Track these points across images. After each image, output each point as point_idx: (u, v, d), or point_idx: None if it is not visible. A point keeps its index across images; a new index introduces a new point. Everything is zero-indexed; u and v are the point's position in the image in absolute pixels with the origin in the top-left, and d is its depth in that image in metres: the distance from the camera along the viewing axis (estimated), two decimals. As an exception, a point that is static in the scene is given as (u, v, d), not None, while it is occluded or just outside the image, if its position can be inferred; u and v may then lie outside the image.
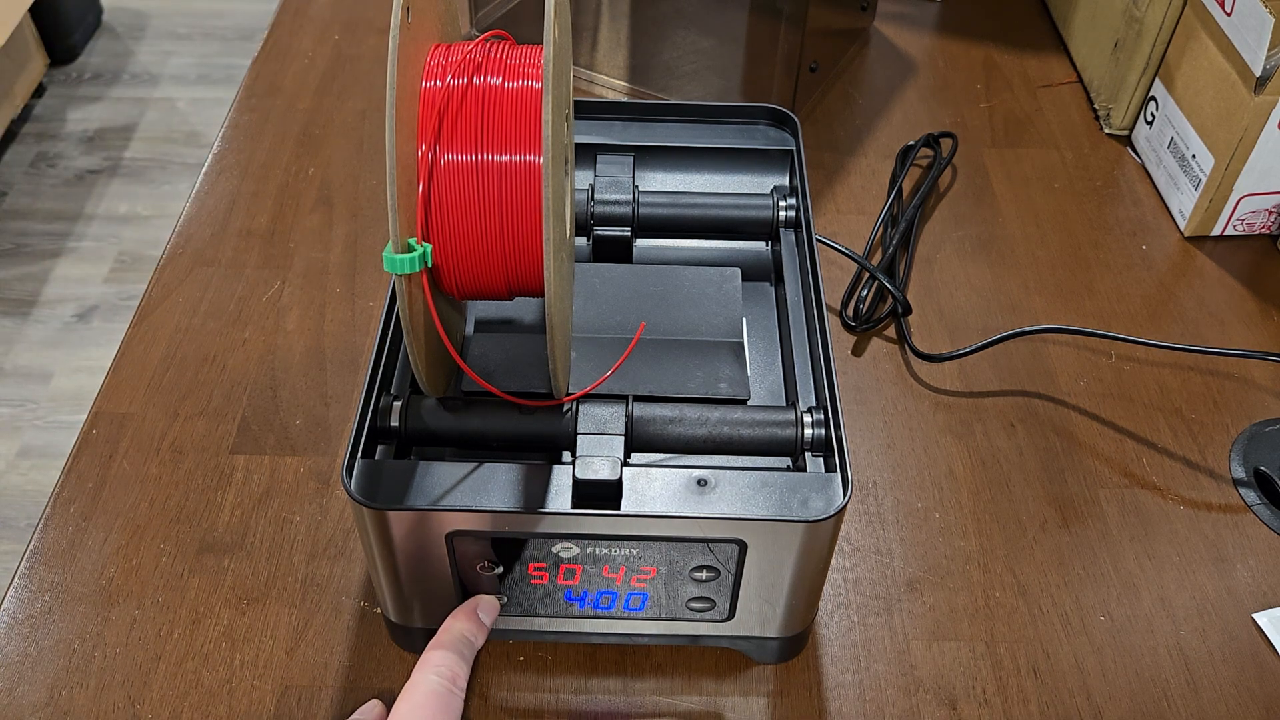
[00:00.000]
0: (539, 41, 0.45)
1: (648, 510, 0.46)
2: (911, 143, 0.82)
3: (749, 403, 0.53)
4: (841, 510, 0.46)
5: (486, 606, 0.51)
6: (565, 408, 0.49)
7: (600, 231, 0.61)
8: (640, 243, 0.63)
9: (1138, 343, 0.67)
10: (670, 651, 0.55)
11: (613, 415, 0.49)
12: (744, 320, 0.58)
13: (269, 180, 0.79)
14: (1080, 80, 0.90)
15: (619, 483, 0.46)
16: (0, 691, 0.52)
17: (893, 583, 0.58)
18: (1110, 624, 0.57)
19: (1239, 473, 0.63)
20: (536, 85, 0.45)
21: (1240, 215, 0.76)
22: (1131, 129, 0.85)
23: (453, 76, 0.45)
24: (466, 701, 0.49)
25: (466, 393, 0.53)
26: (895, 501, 0.61)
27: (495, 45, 0.47)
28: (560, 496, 0.46)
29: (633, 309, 0.57)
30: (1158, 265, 0.76)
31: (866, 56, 0.93)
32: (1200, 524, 0.61)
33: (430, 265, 0.44)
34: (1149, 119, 0.82)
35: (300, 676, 0.53)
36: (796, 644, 0.54)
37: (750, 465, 0.51)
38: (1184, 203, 0.78)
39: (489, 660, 0.54)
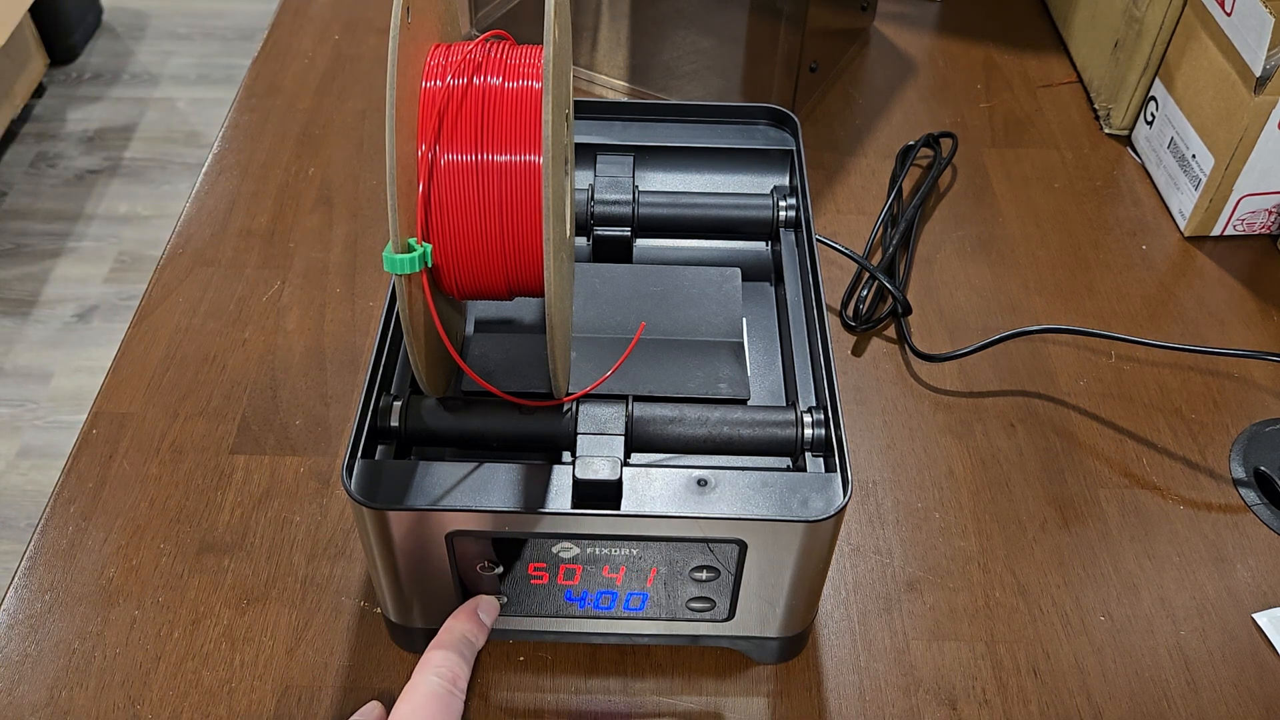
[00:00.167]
0: (539, 41, 0.45)
1: (648, 510, 0.46)
2: (911, 143, 0.82)
3: (749, 403, 0.53)
4: (841, 510, 0.46)
5: (487, 607, 0.51)
6: (565, 408, 0.49)
7: (600, 231, 0.61)
8: (640, 243, 0.63)
9: (1138, 343, 0.67)
10: (670, 651, 0.55)
11: (613, 415, 0.49)
12: (744, 320, 0.58)
13: (269, 180, 0.79)
14: (1080, 80, 0.90)
15: (619, 483, 0.46)
16: (0, 691, 0.52)
17: (893, 583, 0.58)
18: (1110, 624, 0.57)
19: (1239, 473, 0.63)
20: (536, 85, 0.45)
21: (1240, 215, 0.76)
22: (1131, 129, 0.85)
23: (453, 76, 0.45)
24: (467, 702, 0.49)
25: (466, 393, 0.53)
26: (895, 501, 0.61)
27: (495, 45, 0.47)
28: (560, 496, 0.46)
29: (633, 309, 0.57)
30: (1158, 265, 0.76)
31: (866, 56, 0.93)
32: (1200, 524, 0.61)
33: (430, 265, 0.44)
34: (1149, 119, 0.82)
35: (300, 676, 0.53)
36: (796, 644, 0.54)
37: (750, 465, 0.51)
38: (1184, 203, 0.78)
39: (489, 660, 0.54)
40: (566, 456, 0.51)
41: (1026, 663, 0.55)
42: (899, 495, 0.62)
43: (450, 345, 0.48)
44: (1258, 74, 0.69)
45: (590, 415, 0.49)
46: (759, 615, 0.51)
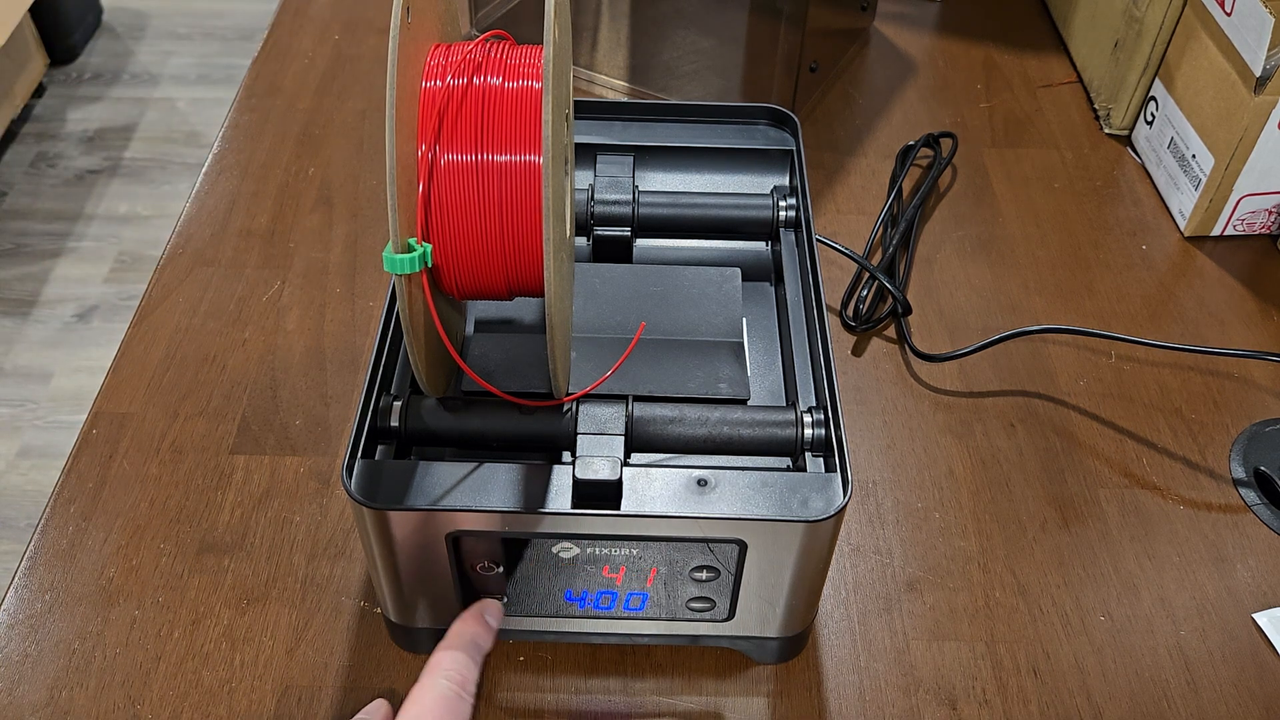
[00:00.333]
0: (539, 41, 0.45)
1: (648, 510, 0.46)
2: (911, 143, 0.82)
3: (749, 403, 0.53)
4: (841, 510, 0.46)
5: (493, 610, 0.51)
6: (565, 408, 0.49)
7: (600, 231, 0.61)
8: (640, 243, 0.63)
9: (1138, 343, 0.67)
10: (670, 651, 0.55)
11: (613, 415, 0.49)
12: (744, 320, 0.58)
13: (269, 180, 0.79)
14: (1080, 80, 0.90)
15: (619, 483, 0.46)
16: (0, 691, 0.52)
17: (893, 583, 0.58)
18: (1110, 624, 0.57)
19: (1239, 473, 0.63)
20: (536, 85, 0.45)
21: (1240, 215, 0.76)
22: (1131, 129, 0.85)
23: (453, 76, 0.45)
24: (474, 705, 0.48)
25: (466, 393, 0.53)
26: (895, 501, 0.61)
27: (495, 45, 0.47)
28: (560, 496, 0.46)
29: (633, 309, 0.57)
30: (1158, 265, 0.76)
31: (866, 56, 0.93)
32: (1200, 524, 0.61)
33: (430, 265, 0.44)
34: (1149, 119, 0.82)
35: (300, 676, 0.53)
36: (796, 644, 0.54)
37: (750, 465, 0.51)
38: (1184, 203, 0.78)
39: (489, 660, 0.54)
40: (566, 456, 0.51)
41: (1026, 663, 0.55)
42: (899, 495, 0.62)
43: (450, 345, 0.48)
44: (1258, 74, 0.69)
45: (590, 415, 0.49)
46: (759, 615, 0.51)
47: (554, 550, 0.48)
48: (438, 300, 0.47)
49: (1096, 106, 0.87)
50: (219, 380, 0.66)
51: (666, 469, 0.47)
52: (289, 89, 0.88)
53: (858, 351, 0.70)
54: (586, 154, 0.64)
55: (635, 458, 0.50)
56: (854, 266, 0.74)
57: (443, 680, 0.47)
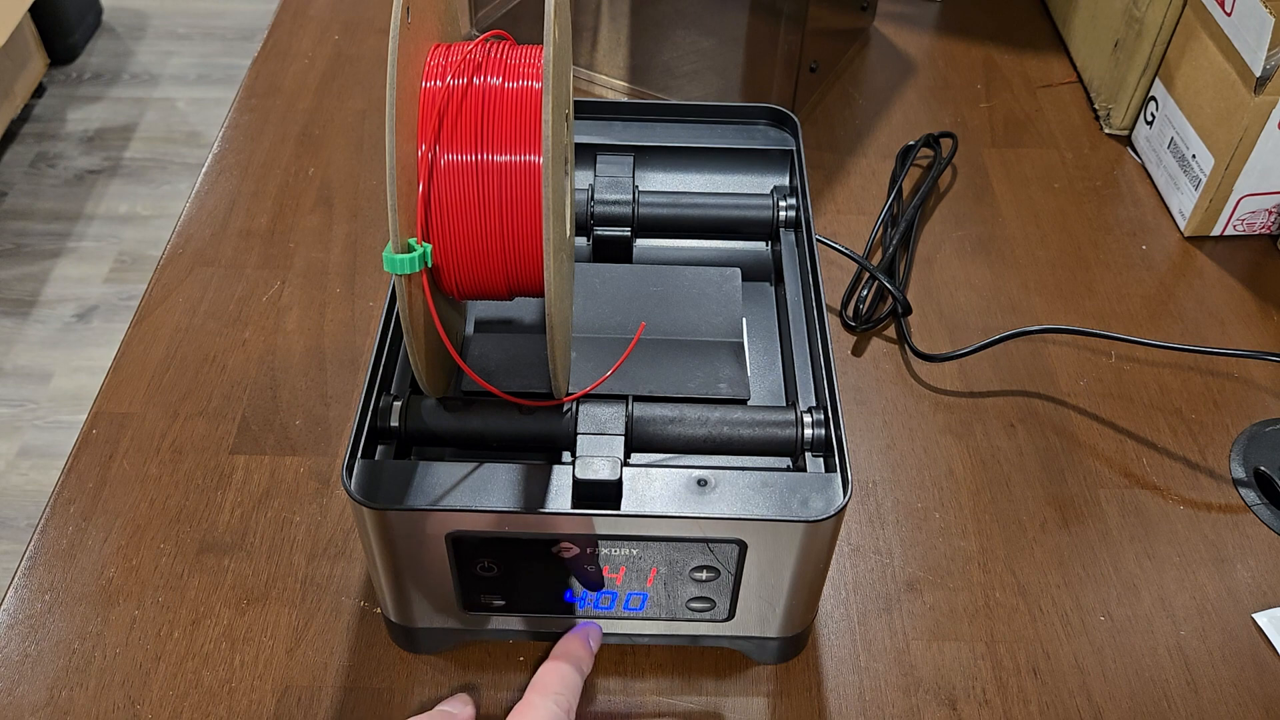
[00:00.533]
0: (539, 41, 0.45)
1: (648, 510, 0.46)
2: (911, 143, 0.82)
3: (749, 403, 0.53)
4: (841, 510, 0.46)
5: (595, 635, 0.51)
6: (565, 408, 0.49)
7: (600, 231, 0.61)
8: (640, 243, 0.63)
9: (1138, 343, 0.67)
10: (670, 651, 0.55)
11: (613, 415, 0.49)
12: (744, 320, 0.58)
13: (269, 180, 0.79)
14: (1080, 80, 0.90)
15: (619, 483, 0.46)
16: (0, 691, 0.52)
17: (893, 583, 0.58)
18: (1110, 624, 0.57)
19: (1239, 473, 0.63)
20: (536, 85, 0.45)
21: (1240, 215, 0.76)
22: (1131, 129, 0.85)
23: (453, 76, 0.45)
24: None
25: (466, 393, 0.53)
26: (895, 501, 0.61)
27: (495, 45, 0.47)
28: (560, 496, 0.46)
29: (633, 309, 0.57)
30: (1158, 265, 0.76)
31: (866, 56, 0.93)
32: (1200, 524, 0.61)
33: (430, 265, 0.44)
34: (1149, 119, 0.82)
35: (300, 676, 0.53)
36: (796, 644, 0.54)
37: (750, 465, 0.51)
38: (1184, 203, 0.78)
39: (489, 660, 0.54)
40: (566, 456, 0.51)
41: (1026, 663, 0.55)
42: (899, 495, 0.62)
43: (450, 345, 0.48)
44: (1258, 74, 0.69)
45: (590, 415, 0.49)
46: (759, 615, 0.51)
47: (554, 550, 0.48)
48: (438, 300, 0.47)
49: (1096, 106, 0.87)
50: (219, 380, 0.66)
51: (666, 469, 0.47)
52: (289, 89, 0.88)
53: (858, 351, 0.70)
54: (586, 154, 0.64)
55: (635, 458, 0.50)
56: (854, 266, 0.74)
57: (553, 705, 0.46)
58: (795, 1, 0.77)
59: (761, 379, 0.57)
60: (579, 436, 0.48)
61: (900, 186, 0.79)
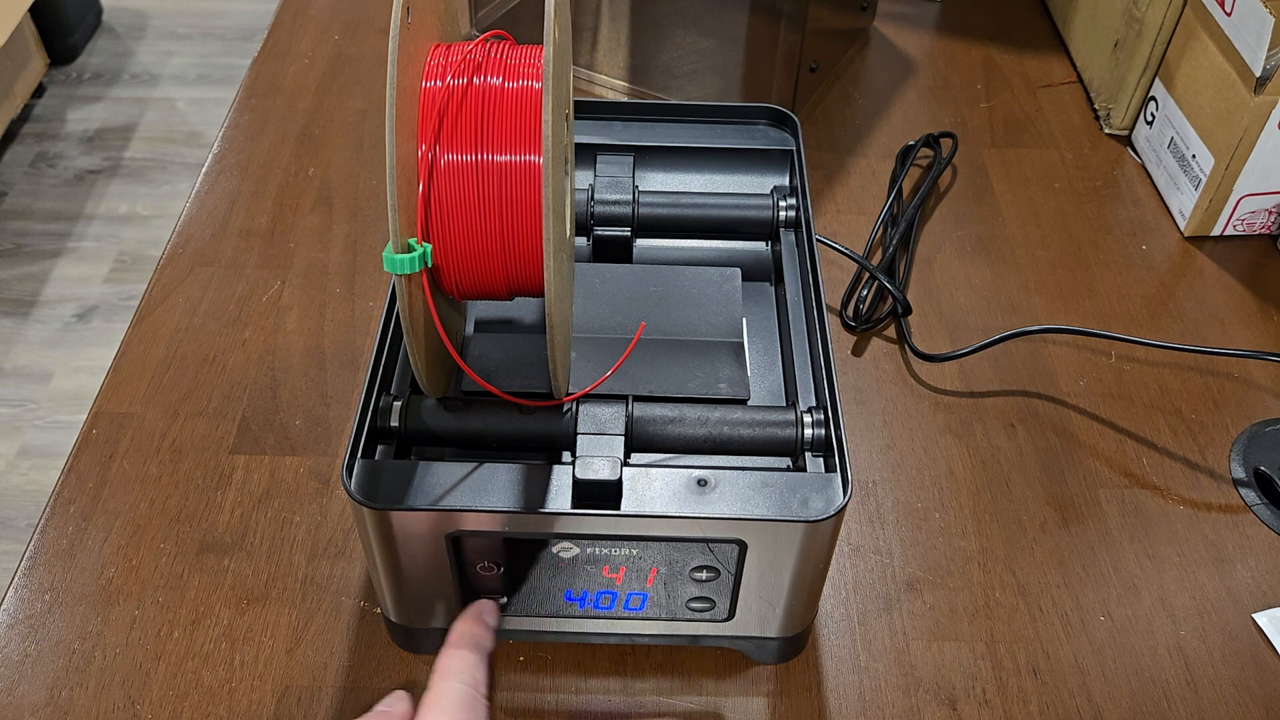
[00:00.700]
0: (539, 41, 0.45)
1: (648, 510, 0.46)
2: (911, 143, 0.82)
3: (749, 403, 0.53)
4: (841, 510, 0.46)
5: (489, 610, 0.51)
6: (565, 408, 0.49)
7: (600, 231, 0.61)
8: (640, 243, 0.63)
9: (1138, 343, 0.67)
10: (670, 651, 0.55)
11: (613, 415, 0.49)
12: (744, 320, 0.58)
13: (269, 180, 0.79)
14: (1080, 80, 0.90)
15: (619, 483, 0.46)
16: (0, 691, 0.52)
17: (893, 583, 0.58)
18: (1110, 624, 0.57)
19: (1239, 473, 0.63)
20: (536, 85, 0.45)
21: (1240, 215, 0.76)
22: (1131, 129, 0.85)
23: (453, 76, 0.45)
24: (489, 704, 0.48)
25: (466, 393, 0.53)
26: (895, 501, 0.61)
27: (495, 45, 0.47)
28: (560, 496, 0.46)
29: (633, 309, 0.57)
30: (1158, 265, 0.76)
31: (866, 56, 0.93)
32: (1200, 524, 0.61)
33: (430, 265, 0.44)
34: (1149, 119, 0.82)
35: (300, 676, 0.53)
36: (796, 644, 0.54)
37: (750, 465, 0.51)
38: (1184, 203, 0.78)
39: (490, 660, 0.54)
40: (566, 456, 0.51)
41: (1026, 663, 0.55)
42: (899, 495, 0.62)
43: (450, 345, 0.48)
44: (1258, 74, 0.69)
45: (590, 415, 0.49)
46: (759, 615, 0.51)
47: (554, 550, 0.48)
48: (438, 300, 0.47)
49: (1096, 106, 0.87)
50: (219, 380, 0.66)
51: (666, 469, 0.47)
52: (289, 89, 0.88)
53: (858, 351, 0.70)
54: (586, 154, 0.64)
55: (635, 458, 0.50)
56: (854, 266, 0.74)
57: (457, 684, 0.46)
58: (795, 1, 0.77)
59: (761, 379, 0.57)
60: (579, 436, 0.48)
61: (900, 186, 0.79)
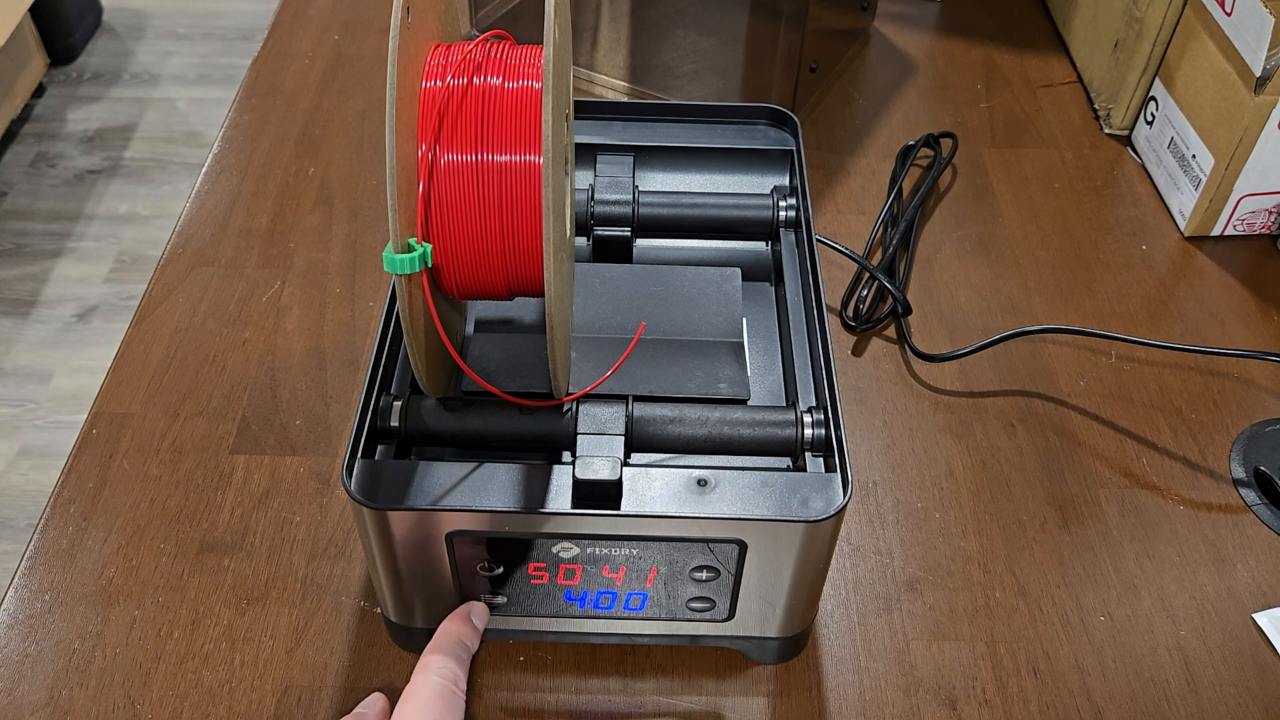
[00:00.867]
0: (539, 41, 0.45)
1: (648, 510, 0.46)
2: (911, 143, 0.82)
3: (749, 403, 0.53)
4: (841, 510, 0.46)
5: (478, 611, 0.51)
6: (565, 408, 0.49)
7: (600, 231, 0.61)
8: (640, 243, 0.63)
9: (1138, 343, 0.67)
10: (670, 651, 0.55)
11: (613, 415, 0.49)
12: (744, 320, 0.58)
13: (269, 180, 0.79)
14: (1080, 80, 0.90)
15: (619, 483, 0.46)
16: (0, 691, 0.52)
17: (893, 583, 0.58)
18: (1110, 624, 0.57)
19: (1239, 473, 0.63)
20: (536, 85, 0.45)
21: (1240, 215, 0.76)
22: (1131, 129, 0.85)
23: (453, 76, 0.45)
24: (465, 702, 0.49)
25: (466, 393, 0.53)
26: (895, 501, 0.61)
27: (495, 45, 0.47)
28: (560, 496, 0.46)
29: (633, 309, 0.57)
30: (1158, 265, 0.76)
31: (866, 56, 0.93)
32: (1200, 524, 0.61)
33: (430, 265, 0.44)
34: (1149, 119, 0.82)
35: (300, 676, 0.53)
36: (796, 644, 0.54)
37: (750, 465, 0.51)
38: (1184, 203, 0.78)
39: (489, 660, 0.54)
40: (566, 456, 0.51)
41: (1026, 663, 0.55)
42: (899, 495, 0.62)
43: (450, 345, 0.48)
44: (1258, 74, 0.69)
45: (590, 415, 0.49)
46: (759, 615, 0.51)
47: (554, 550, 0.48)
48: (438, 300, 0.47)
49: (1096, 106, 0.87)
50: (219, 380, 0.66)
51: (666, 469, 0.47)
52: (289, 89, 0.88)
53: (858, 351, 0.70)
54: (586, 154, 0.64)
55: (635, 458, 0.50)
56: (854, 266, 0.74)
57: (436, 677, 0.47)
58: (795, 1, 0.77)
59: (761, 379, 0.57)
60: (579, 436, 0.48)
61: (900, 186, 0.79)
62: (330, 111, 0.85)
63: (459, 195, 0.44)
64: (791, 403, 0.53)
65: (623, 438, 0.48)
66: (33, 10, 2.05)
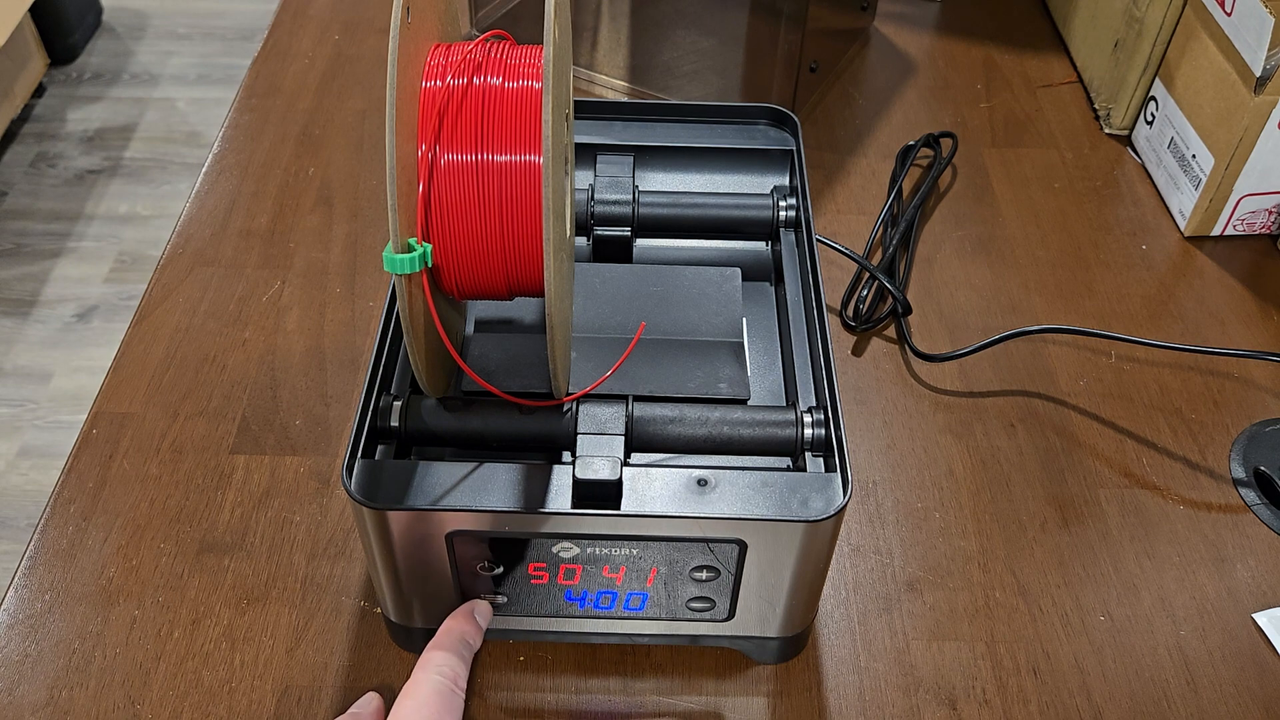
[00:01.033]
0: (539, 41, 0.45)
1: (648, 510, 0.46)
2: (911, 143, 0.82)
3: (749, 403, 0.53)
4: (841, 510, 0.46)
5: (482, 610, 0.51)
6: (565, 408, 0.49)
7: (600, 231, 0.61)
8: (640, 243, 0.63)
9: (1138, 343, 0.67)
10: (670, 651, 0.55)
11: (613, 415, 0.49)
12: (744, 320, 0.58)
13: (269, 180, 0.80)
14: (1080, 80, 0.90)
15: (619, 483, 0.46)
16: (0, 691, 0.52)
17: (893, 583, 0.58)
18: (1110, 624, 0.57)
19: (1239, 473, 0.63)
20: (536, 85, 0.45)
21: (1240, 215, 0.76)
22: (1131, 129, 0.85)
23: (453, 76, 0.45)
24: (466, 702, 0.49)
25: (466, 393, 0.53)
26: (895, 501, 0.61)
27: (495, 45, 0.47)
28: (560, 496, 0.46)
29: (633, 309, 0.57)
30: (1158, 265, 0.76)
31: (866, 56, 0.93)
32: (1200, 524, 0.61)
33: (430, 265, 0.44)
34: (1149, 119, 0.82)
35: (300, 676, 0.53)
36: (796, 644, 0.54)
37: (750, 465, 0.51)
38: (1184, 203, 0.78)
39: (489, 660, 0.54)
40: (566, 456, 0.51)
41: (1026, 663, 0.55)
42: (899, 495, 0.62)
43: (450, 345, 0.48)
44: (1258, 74, 0.69)
45: (590, 415, 0.49)
46: (759, 615, 0.51)
47: (554, 550, 0.48)
48: (438, 300, 0.47)
49: (1096, 106, 0.87)
50: (219, 380, 0.66)
51: (666, 469, 0.47)
52: (289, 89, 0.88)
53: (858, 351, 0.70)
54: (586, 154, 0.64)
55: (635, 458, 0.50)
56: (854, 266, 0.74)
57: (436, 675, 0.47)
58: (795, 1, 0.77)
59: (761, 379, 0.57)
60: (579, 436, 0.48)
61: (900, 186, 0.79)
62: (330, 111, 0.85)
63: (459, 195, 0.44)
64: (791, 403, 0.53)
65: (623, 438, 0.48)
66: (33, 10, 2.05)
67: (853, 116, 0.87)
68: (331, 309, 0.71)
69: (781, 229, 0.61)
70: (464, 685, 0.48)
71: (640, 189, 0.63)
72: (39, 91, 2.14)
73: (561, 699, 0.53)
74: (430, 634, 0.50)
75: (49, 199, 1.94)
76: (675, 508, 0.46)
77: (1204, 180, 0.75)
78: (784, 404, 0.55)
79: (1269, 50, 0.68)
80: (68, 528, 0.59)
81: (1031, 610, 0.57)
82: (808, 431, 0.49)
